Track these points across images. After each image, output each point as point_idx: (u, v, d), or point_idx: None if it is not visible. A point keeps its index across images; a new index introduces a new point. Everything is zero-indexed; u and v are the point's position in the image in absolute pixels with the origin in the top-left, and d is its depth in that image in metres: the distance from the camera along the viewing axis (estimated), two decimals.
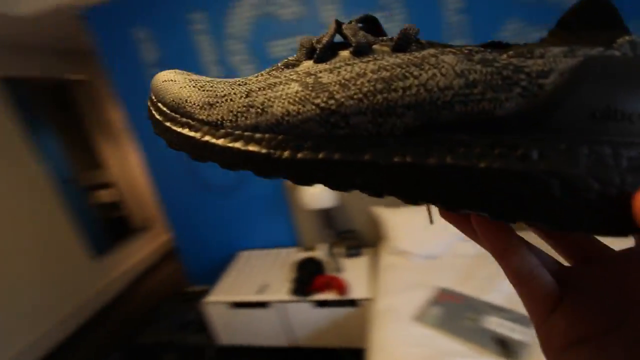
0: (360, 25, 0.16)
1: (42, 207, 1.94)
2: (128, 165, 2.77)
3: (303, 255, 1.55)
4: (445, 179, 0.12)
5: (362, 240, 1.58)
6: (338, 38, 0.16)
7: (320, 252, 1.54)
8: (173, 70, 0.19)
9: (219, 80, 0.17)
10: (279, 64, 0.17)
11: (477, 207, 0.13)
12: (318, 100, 0.14)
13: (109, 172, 2.70)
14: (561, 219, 0.12)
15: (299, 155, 0.14)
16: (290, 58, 0.17)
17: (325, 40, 0.15)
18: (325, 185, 0.14)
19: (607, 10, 0.13)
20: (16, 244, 1.79)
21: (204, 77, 0.18)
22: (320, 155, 0.14)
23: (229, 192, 1.72)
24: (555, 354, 0.14)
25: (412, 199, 0.13)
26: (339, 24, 0.16)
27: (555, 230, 0.13)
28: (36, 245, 1.88)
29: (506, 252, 0.15)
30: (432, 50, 0.14)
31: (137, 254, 2.60)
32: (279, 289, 1.38)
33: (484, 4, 1.25)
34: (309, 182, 0.14)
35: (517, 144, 0.12)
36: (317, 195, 1.42)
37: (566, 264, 0.16)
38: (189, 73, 0.19)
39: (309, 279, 1.33)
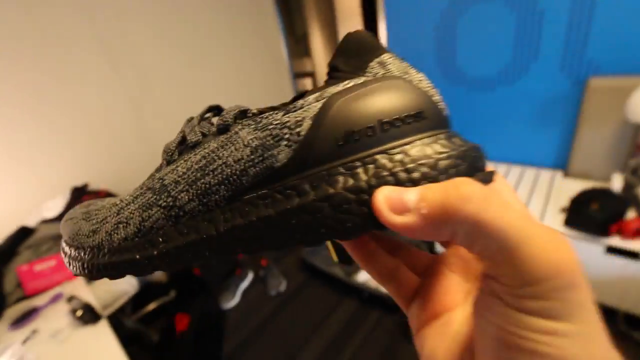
0: (208, 115, 0.20)
1: (277, 82, 2.13)
2: None
3: (581, 184, 1.18)
4: (256, 230, 0.15)
5: None
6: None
7: (604, 185, 1.14)
8: (82, 204, 0.22)
9: (107, 202, 0.20)
10: (154, 172, 0.19)
11: (289, 244, 0.15)
12: (161, 202, 0.17)
13: (313, 61, 2.75)
14: (343, 231, 0.14)
15: (156, 251, 0.17)
16: (159, 166, 0.19)
17: (173, 144, 0.19)
18: (186, 264, 0.17)
19: (360, 40, 0.17)
20: None
21: (99, 203, 0.21)
22: (172, 244, 0.16)
23: (489, 87, 1.40)
24: (417, 336, 0.17)
25: (252, 252, 0.16)
26: (189, 121, 0.19)
27: (346, 240, 0.16)
28: None
29: (366, 260, 0.19)
30: (238, 126, 0.17)
31: None
32: (542, 218, 1.11)
33: None
34: (175, 268, 0.17)
35: (294, 185, 0.15)
36: None
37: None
38: (92, 202, 0.21)
39: (610, 216, 0.99)
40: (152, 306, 1.41)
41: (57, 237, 1.08)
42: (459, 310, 0.16)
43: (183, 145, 0.18)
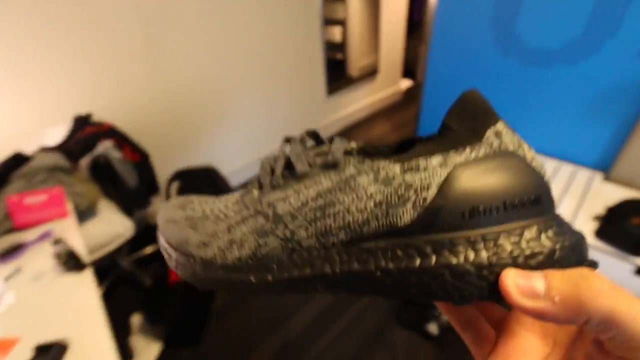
0: (305, 140, 0.20)
1: (306, 26, 1.96)
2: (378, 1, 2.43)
3: (623, 192, 1.06)
4: (372, 279, 0.16)
5: None
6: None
7: None
8: (171, 204, 0.23)
9: (209, 210, 0.21)
10: (249, 186, 0.21)
11: (399, 297, 0.17)
12: (278, 232, 0.18)
13: (346, 7, 2.46)
14: (459, 297, 0.15)
15: (270, 277, 0.18)
16: (255, 182, 0.20)
17: (279, 169, 0.19)
18: (296, 293, 0.18)
19: (475, 102, 0.17)
20: (274, 57, 1.87)
21: (197, 207, 0.22)
22: (286, 275, 0.18)
23: (547, 63, 1.20)
24: None
25: (359, 294, 0.17)
26: (287, 141, 0.20)
27: (455, 305, 0.16)
28: (290, 60, 1.97)
29: (450, 308, 0.20)
30: (352, 171, 0.17)
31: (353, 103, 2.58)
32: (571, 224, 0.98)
33: None
34: (284, 294, 0.18)
35: (417, 246, 0.16)
36: None
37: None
38: (185, 203, 0.23)
39: None
40: (149, 250, 1.41)
41: (54, 169, 1.02)
42: None
43: (287, 172, 0.19)
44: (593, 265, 0.15)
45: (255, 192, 0.20)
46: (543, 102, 1.26)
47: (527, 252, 0.15)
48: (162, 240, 0.21)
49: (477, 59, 1.34)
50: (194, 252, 0.20)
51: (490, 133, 0.16)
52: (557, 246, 0.15)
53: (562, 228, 0.15)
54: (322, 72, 2.22)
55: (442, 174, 0.16)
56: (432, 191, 0.16)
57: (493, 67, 1.31)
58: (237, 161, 1.97)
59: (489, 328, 0.19)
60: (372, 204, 0.16)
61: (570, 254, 0.15)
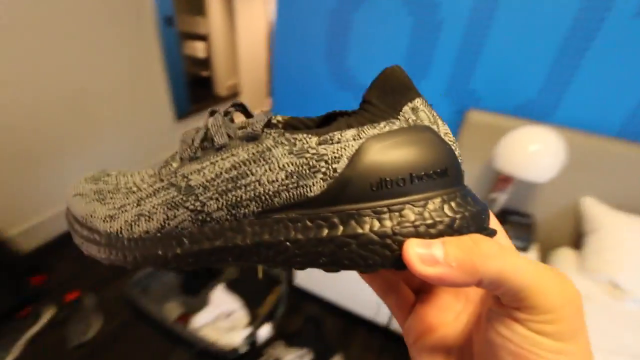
0: (230, 110, 0.20)
1: (141, 46, 1.63)
2: (237, 19, 2.28)
3: None
4: (282, 249, 0.17)
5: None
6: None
7: None
8: (84, 177, 0.22)
9: (123, 183, 0.20)
10: (169, 159, 0.20)
11: (306, 266, 0.17)
12: (188, 204, 0.18)
13: (209, 22, 2.25)
14: (365, 264, 0.16)
15: (179, 250, 0.18)
16: (176, 152, 0.20)
17: (197, 140, 0.19)
18: (207, 266, 0.18)
19: (396, 78, 0.17)
20: (108, 81, 1.57)
21: (111, 181, 0.21)
22: (197, 247, 0.18)
23: None
24: (411, 347, 0.19)
25: (271, 265, 0.17)
26: (211, 114, 0.20)
27: (362, 273, 0.17)
28: (127, 86, 1.68)
29: (371, 276, 0.21)
30: (270, 142, 0.17)
31: None
32: None
33: None
34: (194, 267, 0.18)
35: (325, 217, 0.16)
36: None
37: None
38: (99, 176, 0.22)
39: None
40: None
41: None
42: (450, 328, 0.18)
43: (207, 143, 0.19)
44: (491, 233, 0.16)
45: (174, 165, 0.19)
46: None
47: (429, 221, 0.15)
48: (68, 216, 0.21)
49: (316, 91, 1.29)
50: (99, 226, 0.19)
51: (407, 108, 0.17)
52: (458, 216, 0.16)
53: (466, 199, 0.16)
54: (166, 98, 1.91)
55: (354, 146, 0.16)
56: (342, 163, 0.16)
57: (331, 99, 1.27)
58: None
59: (409, 292, 0.21)
60: (283, 175, 0.17)
61: (470, 223, 0.16)
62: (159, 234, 0.18)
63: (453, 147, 0.17)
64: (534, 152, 0.86)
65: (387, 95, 0.17)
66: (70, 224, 0.20)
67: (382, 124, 0.17)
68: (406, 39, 1.06)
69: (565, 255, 1.01)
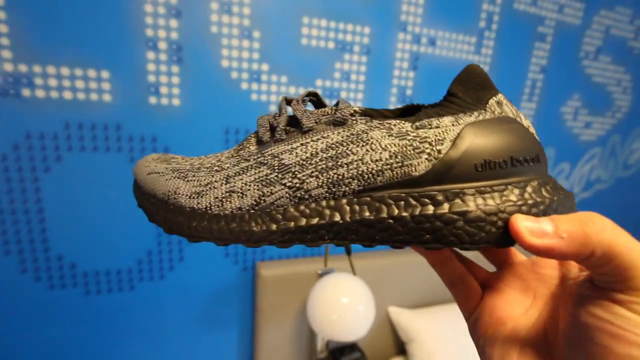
0: (306, 99, 0.20)
1: None
2: None
3: None
4: (385, 226, 0.17)
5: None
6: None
7: None
8: (151, 157, 0.22)
9: (198, 163, 0.20)
10: (245, 143, 0.20)
11: (410, 244, 0.17)
12: (285, 181, 0.18)
13: None
14: (470, 241, 0.16)
15: (275, 226, 0.17)
16: (251, 135, 0.20)
17: (282, 124, 0.19)
18: (302, 244, 0.18)
19: (478, 76, 0.18)
20: None
21: (183, 162, 0.21)
22: (293, 224, 0.17)
23: (127, 285, 0.78)
24: (480, 338, 0.19)
25: (370, 242, 0.17)
26: (288, 102, 0.20)
27: (467, 250, 0.17)
28: None
29: (441, 264, 0.22)
30: (362, 127, 0.18)
31: None
32: None
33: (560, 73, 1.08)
34: (289, 245, 0.18)
35: (430, 195, 0.17)
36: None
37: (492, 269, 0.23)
38: (167, 158, 0.22)
39: None
40: None
41: None
42: (521, 321, 0.18)
43: (290, 128, 0.19)
44: None
45: (252, 148, 0.19)
46: (144, 328, 0.85)
47: (530, 201, 0.16)
48: (141, 196, 0.20)
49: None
50: (185, 203, 0.18)
51: (492, 102, 0.18)
52: (555, 198, 0.17)
53: (557, 185, 0.18)
54: None
55: (455, 130, 0.17)
56: (446, 145, 0.17)
57: (37, 305, 0.74)
58: None
59: (477, 285, 0.21)
60: (387, 155, 0.17)
61: (566, 205, 0.17)
62: (252, 210, 0.18)
63: (538, 139, 0.18)
64: (347, 305, 0.74)
65: (471, 90, 0.18)
66: (145, 205, 0.20)
67: (476, 114, 0.18)
68: None
69: None
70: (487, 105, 0.18)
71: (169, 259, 0.82)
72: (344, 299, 0.74)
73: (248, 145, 0.19)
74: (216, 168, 0.19)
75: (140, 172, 0.20)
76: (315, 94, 0.21)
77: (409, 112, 0.20)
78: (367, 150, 0.17)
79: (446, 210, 0.16)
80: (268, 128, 0.19)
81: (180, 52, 0.66)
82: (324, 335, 0.75)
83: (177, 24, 0.64)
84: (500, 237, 0.16)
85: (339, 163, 0.17)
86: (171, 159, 0.21)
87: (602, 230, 0.14)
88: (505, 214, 0.16)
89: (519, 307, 0.19)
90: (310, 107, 0.56)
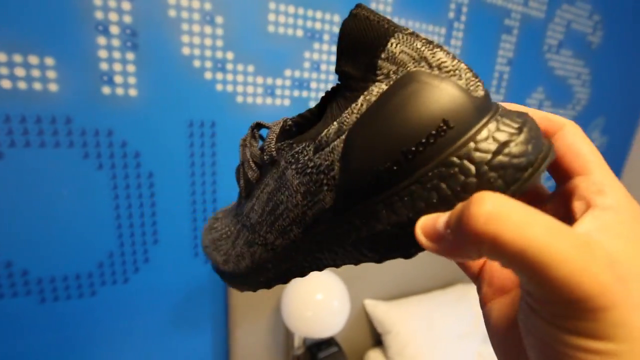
0: (255, 135, 0.22)
1: None
2: None
3: None
4: (334, 255, 0.17)
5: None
6: None
7: None
8: (208, 226, 0.27)
9: (223, 230, 0.24)
10: (239, 198, 0.23)
11: (358, 262, 0.17)
12: (257, 241, 0.20)
13: None
14: (401, 254, 0.15)
15: (271, 274, 0.21)
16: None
17: (241, 182, 0.21)
18: (299, 275, 0.20)
19: (359, 29, 0.14)
20: None
21: (218, 228, 0.25)
22: (279, 269, 0.20)
23: (87, 291, 0.73)
24: (485, 308, 0.17)
25: (318, 268, 0.19)
26: (243, 147, 0.21)
27: (405, 258, 0.15)
28: None
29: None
30: (283, 163, 0.18)
31: None
32: None
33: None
34: (289, 279, 0.20)
35: (349, 220, 0.15)
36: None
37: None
38: (214, 222, 0.26)
39: None
40: None
41: None
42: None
43: (250, 183, 0.21)
44: (522, 185, 0.13)
45: (241, 203, 0.22)
46: (110, 332, 0.80)
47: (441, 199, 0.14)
48: (212, 263, 0.24)
49: None
50: (222, 269, 0.23)
51: (382, 62, 0.14)
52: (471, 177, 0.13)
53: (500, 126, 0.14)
54: None
55: (339, 146, 0.15)
56: (336, 168, 0.15)
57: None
58: None
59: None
60: (299, 197, 0.17)
61: (496, 178, 0.13)
62: (253, 266, 0.21)
63: (454, 77, 0.13)
64: (321, 301, 0.73)
65: (358, 57, 0.14)
66: (215, 269, 0.24)
67: (360, 102, 0.14)
68: (109, 203, 0.71)
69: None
70: (378, 72, 0.14)
71: (133, 260, 0.77)
72: (317, 295, 0.72)
73: (239, 200, 0.23)
74: (228, 233, 0.23)
75: (204, 247, 0.26)
76: (258, 125, 0.21)
77: (326, 107, 0.18)
78: (287, 196, 0.17)
79: (363, 235, 0.15)
80: (238, 182, 0.22)
81: (135, 38, 0.61)
82: (300, 333, 0.73)
83: (130, 7, 0.59)
84: (411, 243, 0.14)
85: (276, 215, 0.18)
86: (213, 225, 0.26)
87: (479, 221, 0.10)
88: (416, 219, 0.13)
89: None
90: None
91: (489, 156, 0.12)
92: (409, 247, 0.14)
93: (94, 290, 0.75)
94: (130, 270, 0.77)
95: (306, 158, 0.16)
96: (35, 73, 0.57)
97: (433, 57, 0.13)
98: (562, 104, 1.21)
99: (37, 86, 0.58)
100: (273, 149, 0.18)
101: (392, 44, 0.13)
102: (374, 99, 0.14)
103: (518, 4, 0.98)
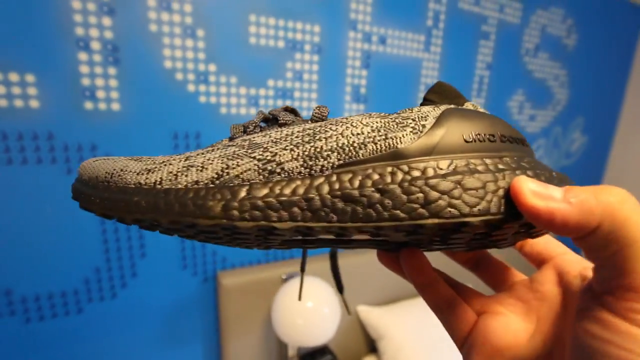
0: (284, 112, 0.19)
1: None
2: None
3: None
4: (376, 202, 0.14)
5: None
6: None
7: None
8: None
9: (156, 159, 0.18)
10: (215, 143, 0.18)
11: (408, 221, 0.14)
12: (255, 154, 0.15)
13: None
14: (469, 212, 0.13)
15: (236, 203, 0.14)
16: (222, 140, 0.18)
17: (256, 120, 0.18)
18: (268, 227, 0.14)
19: (450, 87, 0.19)
20: None
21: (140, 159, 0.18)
22: (259, 197, 0.14)
23: (74, 308, 0.71)
24: None
25: (353, 224, 0.14)
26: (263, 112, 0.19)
27: (469, 228, 0.14)
28: None
29: (425, 287, 0.19)
30: (339, 118, 0.17)
31: None
32: None
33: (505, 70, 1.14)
34: (250, 225, 0.14)
35: (420, 165, 0.15)
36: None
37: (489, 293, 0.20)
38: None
39: None
40: None
41: None
42: (524, 350, 0.16)
43: (267, 123, 0.18)
44: None
45: (225, 141, 0.18)
46: (99, 347, 0.78)
47: (530, 172, 0.15)
48: (79, 185, 0.16)
49: None
50: (130, 179, 0.15)
51: (467, 104, 0.18)
52: (554, 174, 0.16)
53: (547, 167, 0.17)
54: None
55: (436, 112, 0.16)
56: (430, 120, 0.16)
57: None
58: None
59: (467, 309, 0.19)
60: (368, 129, 0.16)
61: (563, 183, 0.15)
62: (211, 185, 0.15)
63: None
64: (311, 309, 0.72)
65: (444, 98, 0.18)
66: (81, 188, 0.16)
67: (453, 105, 0.18)
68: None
69: None
70: (463, 106, 0.18)
71: (120, 275, 0.76)
72: (308, 303, 0.72)
73: (217, 144, 0.17)
74: (177, 154, 0.17)
75: (86, 162, 0.17)
76: (292, 110, 0.19)
77: None
78: (347, 126, 0.16)
79: (441, 174, 0.14)
80: (241, 130, 0.18)
81: (117, 53, 0.62)
82: (292, 342, 0.73)
83: (111, 23, 0.60)
84: (505, 207, 0.14)
85: (317, 137, 0.15)
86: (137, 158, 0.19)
87: (619, 202, 0.11)
88: (504, 181, 0.14)
89: (521, 333, 0.16)
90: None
91: (556, 174, 0.16)
92: (489, 206, 0.14)
93: (80, 307, 0.74)
94: (117, 286, 0.76)
95: (382, 113, 0.17)
96: (16, 90, 0.57)
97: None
98: (543, 105, 1.24)
99: (19, 103, 0.58)
100: (325, 112, 0.18)
101: (470, 105, 0.19)
102: (465, 108, 0.18)
103: (494, 11, 1.02)
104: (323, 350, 0.94)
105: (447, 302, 0.19)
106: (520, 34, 1.10)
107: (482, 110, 0.18)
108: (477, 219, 0.14)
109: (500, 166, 0.15)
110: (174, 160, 0.16)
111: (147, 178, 0.15)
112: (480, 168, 0.15)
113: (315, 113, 0.17)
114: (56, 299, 0.71)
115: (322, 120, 0.17)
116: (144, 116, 0.67)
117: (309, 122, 0.17)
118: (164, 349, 0.85)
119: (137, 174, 0.15)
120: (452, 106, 0.17)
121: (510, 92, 1.15)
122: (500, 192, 0.14)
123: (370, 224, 0.14)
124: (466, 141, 0.15)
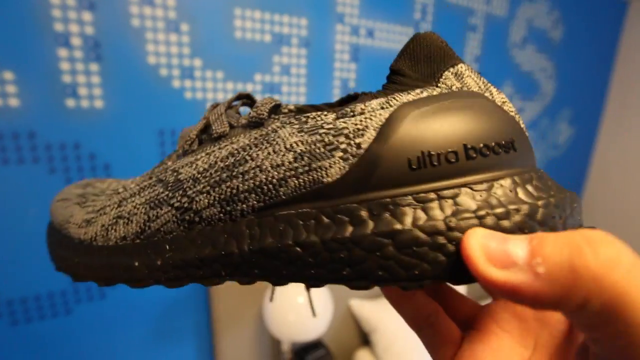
0: (237, 103, 0.17)
1: None
2: None
3: None
4: (291, 257, 0.12)
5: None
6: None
7: None
8: (74, 184, 0.19)
9: (112, 187, 0.17)
10: (165, 159, 0.17)
11: (328, 281, 0.12)
12: (173, 201, 0.14)
13: None
14: (407, 276, 0.11)
15: (160, 261, 0.14)
16: (172, 152, 0.17)
17: (193, 132, 0.16)
18: (195, 282, 0.14)
19: (430, 45, 0.14)
20: None
21: (98, 186, 0.18)
22: (180, 255, 0.14)
23: (62, 310, 0.70)
24: None
25: (277, 280, 0.13)
26: (212, 109, 0.17)
27: (404, 290, 0.12)
28: None
29: (400, 301, 0.16)
30: (277, 123, 0.14)
31: None
32: None
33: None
34: (178, 284, 0.14)
35: (348, 209, 0.12)
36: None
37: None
38: (91, 182, 0.19)
39: None
40: None
41: None
42: None
43: (205, 135, 0.16)
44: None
45: (169, 163, 0.16)
46: (91, 349, 0.78)
47: (499, 210, 0.11)
48: (49, 228, 0.17)
49: None
50: (72, 233, 0.15)
51: (448, 74, 0.13)
52: (540, 202, 0.11)
53: (547, 182, 0.12)
54: None
55: (383, 115, 0.12)
56: (369, 135, 0.12)
57: None
58: None
59: (452, 326, 0.16)
60: (290, 157, 0.13)
61: (559, 214, 0.12)
62: (137, 240, 0.14)
63: (516, 118, 0.13)
64: (303, 304, 0.73)
65: (421, 63, 0.14)
66: (48, 237, 0.17)
67: (418, 90, 0.13)
68: None
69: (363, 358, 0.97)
70: (441, 80, 0.13)
71: None
72: (299, 298, 0.72)
73: (167, 161, 0.16)
74: (119, 190, 0.16)
75: (53, 199, 0.18)
76: (247, 96, 0.17)
77: (350, 102, 0.17)
78: (268, 153, 0.13)
79: (369, 231, 0.11)
80: (188, 140, 0.16)
81: (99, 49, 0.60)
82: (284, 338, 0.73)
83: (92, 18, 0.59)
84: (453, 269, 0.11)
85: (234, 173, 0.13)
86: (95, 183, 0.18)
87: (606, 267, 0.08)
88: (457, 231, 0.11)
89: (515, 357, 0.13)
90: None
91: (556, 195, 0.12)
92: (430, 272, 0.11)
93: (68, 308, 0.73)
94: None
95: (320, 122, 0.13)
96: None
97: (498, 94, 0.14)
98: (530, 96, 1.26)
99: None
100: (265, 112, 0.15)
101: (462, 67, 0.14)
102: (435, 93, 0.13)
103: (481, 3, 1.02)
104: (316, 344, 0.94)
105: (427, 319, 0.16)
106: (507, 27, 1.10)
107: (473, 79, 0.14)
108: (415, 284, 0.11)
109: (457, 207, 0.11)
110: (109, 206, 0.16)
111: (85, 233, 0.15)
112: (424, 215, 0.11)
113: (252, 116, 0.15)
114: (43, 301, 0.70)
115: (261, 122, 0.14)
116: (129, 113, 0.66)
117: (247, 128, 0.15)
118: (155, 348, 0.85)
119: (79, 226, 0.15)
120: (415, 93, 0.13)
121: (498, 84, 1.15)
122: (450, 247, 0.11)
123: (296, 280, 0.13)
124: (412, 168, 0.12)
